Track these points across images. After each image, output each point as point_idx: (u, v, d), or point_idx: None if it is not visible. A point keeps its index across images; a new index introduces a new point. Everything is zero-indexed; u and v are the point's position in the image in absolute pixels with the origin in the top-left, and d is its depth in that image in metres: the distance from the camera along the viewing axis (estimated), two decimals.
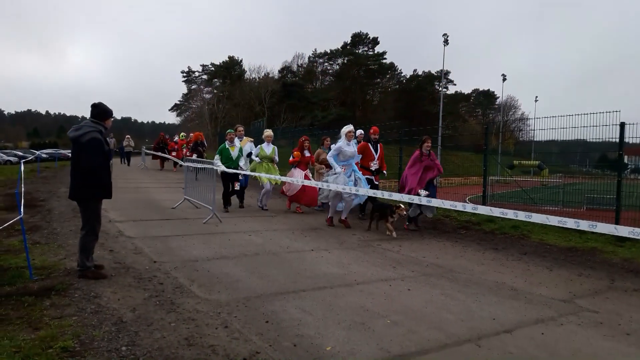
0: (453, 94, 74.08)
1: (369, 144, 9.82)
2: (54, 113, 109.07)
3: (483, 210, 5.05)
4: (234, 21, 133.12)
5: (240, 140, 10.86)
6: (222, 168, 9.74)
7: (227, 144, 10.19)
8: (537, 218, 4.66)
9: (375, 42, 69.85)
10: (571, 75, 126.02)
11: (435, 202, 6.34)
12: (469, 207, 5.05)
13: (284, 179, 9.75)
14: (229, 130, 10.46)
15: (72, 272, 4.98)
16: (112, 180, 5.25)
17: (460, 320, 4.14)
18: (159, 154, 23.33)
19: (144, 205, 10.67)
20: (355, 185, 8.78)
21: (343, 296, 4.69)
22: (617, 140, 8.45)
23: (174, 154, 22.23)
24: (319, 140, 12.77)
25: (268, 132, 10.98)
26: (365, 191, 7.91)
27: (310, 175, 11.08)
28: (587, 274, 5.99)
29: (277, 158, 10.97)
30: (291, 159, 10.83)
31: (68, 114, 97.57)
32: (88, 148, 4.79)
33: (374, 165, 9.76)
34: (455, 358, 3.36)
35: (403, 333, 3.78)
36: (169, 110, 72.63)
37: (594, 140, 9.39)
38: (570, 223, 4.36)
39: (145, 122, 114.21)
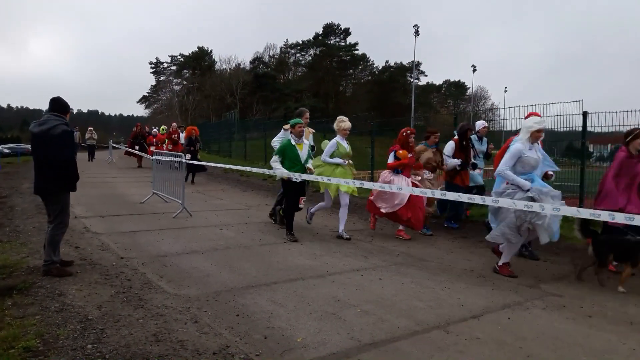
0: (424, 85, 74.80)
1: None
2: (17, 107, 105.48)
3: (451, 196, 5.12)
4: (203, 11, 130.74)
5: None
6: (285, 173, 6.75)
7: (293, 139, 6.91)
8: (504, 202, 4.75)
9: (347, 32, 69.85)
10: (540, 66, 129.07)
11: (406, 190, 6.30)
12: (437, 194, 5.11)
13: (383, 187, 6.56)
14: (294, 121, 6.98)
15: (36, 270, 4.83)
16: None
17: (430, 307, 4.20)
18: (134, 151, 19.81)
19: (111, 200, 10.42)
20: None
21: (315, 287, 4.69)
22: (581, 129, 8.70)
23: (152, 148, 19.04)
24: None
25: (346, 123, 7.28)
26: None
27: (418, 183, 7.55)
28: (552, 259, 6.17)
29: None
30: (392, 160, 7.20)
31: (31, 108, 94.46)
32: (61, 141, 4.75)
33: None
34: (424, 344, 3.41)
35: (373, 322, 3.81)
36: (137, 102, 70.90)
37: (561, 129, 9.63)
38: (535, 207, 4.46)
39: (113, 114, 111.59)
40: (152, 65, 67.32)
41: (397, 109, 59.43)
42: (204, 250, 6.12)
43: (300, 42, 69.64)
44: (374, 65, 73.71)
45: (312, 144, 7.74)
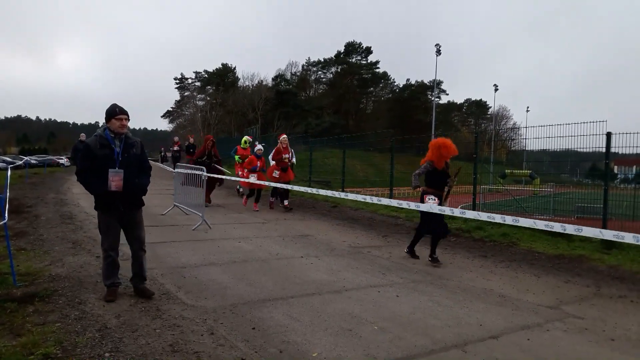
0: (445, 104, 74.70)
1: None
2: (45, 119, 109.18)
3: (471, 214, 5.07)
4: (228, 28, 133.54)
5: None
6: None
7: None
8: (525, 222, 4.68)
9: (368, 51, 70.35)
10: (563, 87, 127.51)
11: (424, 207, 6.29)
12: (456, 212, 5.07)
13: None
14: None
15: (57, 279, 4.94)
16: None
17: (447, 326, 4.14)
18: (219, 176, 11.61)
19: None
20: None
21: (331, 302, 4.67)
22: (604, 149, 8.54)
23: (240, 173, 12.71)
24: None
25: None
26: None
27: None
28: (574, 281, 6.02)
29: None
30: None
31: (59, 120, 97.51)
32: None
33: None
34: None
35: (390, 339, 3.77)
36: (161, 116, 72.61)
37: (584, 150, 9.48)
38: (557, 227, 4.37)
39: (137, 128, 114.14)
40: (177, 81, 68.79)
41: (418, 127, 59.26)
42: (222, 262, 6.16)
43: (322, 60, 70.42)
44: (395, 84, 73.99)
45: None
